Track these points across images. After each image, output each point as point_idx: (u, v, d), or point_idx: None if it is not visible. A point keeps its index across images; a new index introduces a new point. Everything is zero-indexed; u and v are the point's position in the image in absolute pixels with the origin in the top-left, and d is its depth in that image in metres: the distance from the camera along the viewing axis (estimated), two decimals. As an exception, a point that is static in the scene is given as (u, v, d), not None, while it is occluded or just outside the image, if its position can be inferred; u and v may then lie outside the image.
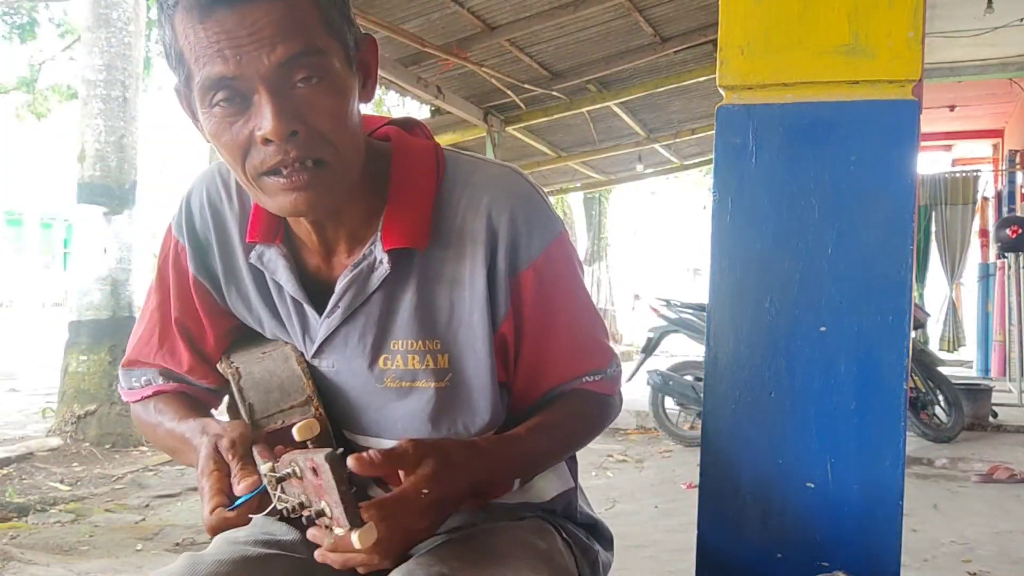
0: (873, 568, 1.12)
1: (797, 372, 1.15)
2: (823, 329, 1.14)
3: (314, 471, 0.68)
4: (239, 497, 0.82)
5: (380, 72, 5.31)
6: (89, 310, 4.88)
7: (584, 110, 7.00)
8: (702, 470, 1.20)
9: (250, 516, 0.83)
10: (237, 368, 0.98)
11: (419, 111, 7.10)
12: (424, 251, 0.92)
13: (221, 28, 0.78)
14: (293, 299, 0.97)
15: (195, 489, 3.95)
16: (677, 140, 8.50)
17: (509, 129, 7.12)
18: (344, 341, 0.95)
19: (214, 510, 0.83)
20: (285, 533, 0.97)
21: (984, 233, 9.00)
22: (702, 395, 1.22)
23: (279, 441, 0.88)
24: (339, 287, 0.93)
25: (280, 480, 0.74)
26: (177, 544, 3.07)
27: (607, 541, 1.14)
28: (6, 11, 11.85)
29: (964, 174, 8.01)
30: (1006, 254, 7.21)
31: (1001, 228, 6.92)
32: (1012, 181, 8.68)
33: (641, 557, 3.05)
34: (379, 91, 9.78)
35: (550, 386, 1.01)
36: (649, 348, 5.53)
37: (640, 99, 7.05)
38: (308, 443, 0.73)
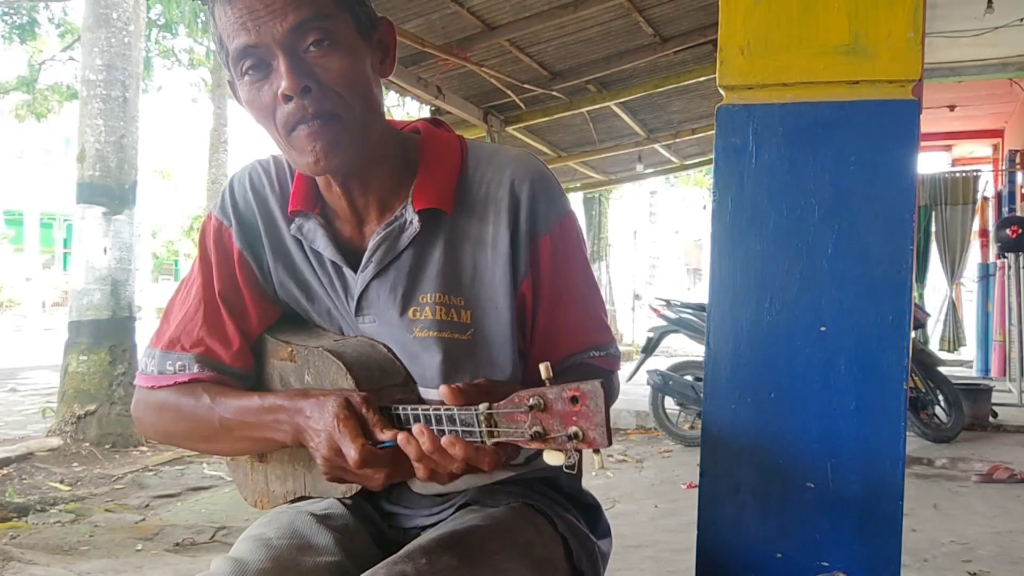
0: (873, 568, 1.12)
1: (797, 372, 1.15)
2: (823, 329, 1.14)
3: (574, 400, 0.78)
4: (382, 442, 0.92)
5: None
6: (89, 310, 4.88)
7: (584, 110, 7.00)
8: (702, 470, 1.20)
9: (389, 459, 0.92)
10: (323, 348, 1.03)
11: (419, 111, 7.11)
12: (451, 216, 1.03)
13: (243, 5, 0.92)
14: (333, 263, 1.06)
15: (195, 489, 3.96)
16: (677, 140, 8.49)
17: (509, 129, 7.12)
18: (377, 294, 1.04)
19: (363, 447, 0.90)
20: (316, 535, 1.02)
21: (984, 233, 9.00)
22: (702, 395, 1.22)
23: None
24: (371, 244, 1.04)
25: (516, 414, 0.82)
26: (177, 544, 3.07)
27: (605, 527, 1.18)
28: (6, 11, 11.85)
29: (964, 174, 8.00)
30: (1006, 254, 7.21)
31: (1001, 228, 6.92)
32: (1012, 181, 8.68)
33: (641, 557, 3.05)
34: (379, 91, 9.81)
35: (562, 356, 1.07)
36: (649, 348, 5.54)
37: (640, 99, 7.04)
38: (547, 382, 0.82)
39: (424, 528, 1.10)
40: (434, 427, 0.88)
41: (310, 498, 1.09)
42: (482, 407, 0.84)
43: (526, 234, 1.03)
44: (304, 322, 1.12)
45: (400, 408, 0.93)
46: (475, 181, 1.05)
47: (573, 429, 0.78)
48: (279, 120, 0.95)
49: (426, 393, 1.03)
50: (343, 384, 0.99)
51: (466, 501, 1.10)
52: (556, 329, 1.07)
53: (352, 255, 1.06)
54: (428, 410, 0.89)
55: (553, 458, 0.81)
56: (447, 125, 1.14)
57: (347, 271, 1.05)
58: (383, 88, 1.07)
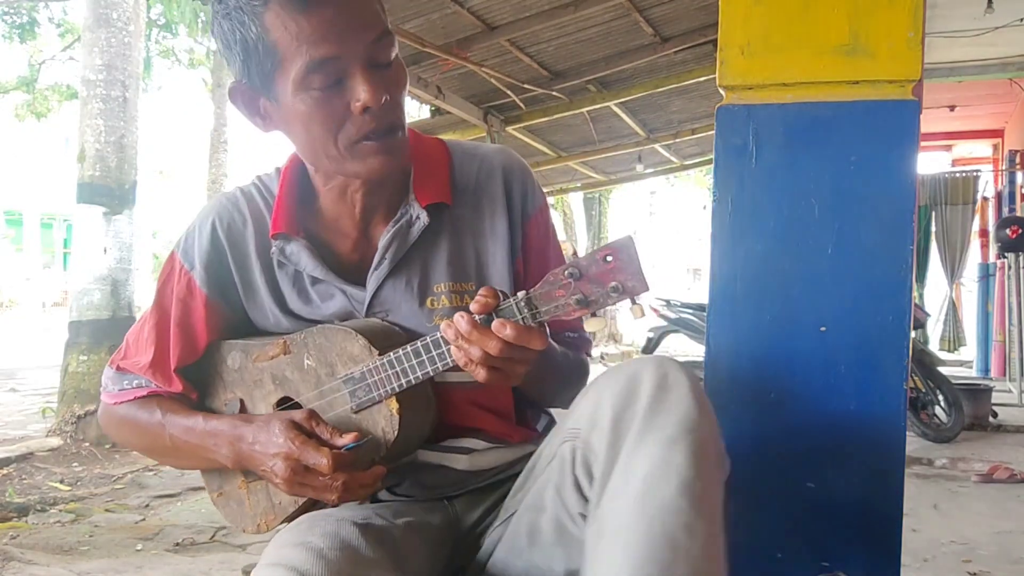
0: (873, 568, 1.12)
1: (797, 372, 1.15)
2: (823, 329, 1.14)
3: (606, 259, 0.82)
4: (346, 446, 0.95)
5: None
6: (89, 310, 4.87)
7: (584, 110, 7.00)
8: (702, 470, 1.20)
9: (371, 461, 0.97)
10: (324, 324, 1.05)
11: (419, 111, 7.10)
12: (451, 208, 1.09)
13: (322, 16, 0.92)
14: (321, 282, 1.08)
15: (195, 489, 3.95)
16: (677, 140, 8.49)
17: (509, 129, 7.11)
18: (393, 289, 1.07)
19: (331, 453, 0.94)
20: (365, 547, 0.94)
21: (984, 233, 8.99)
22: (702, 395, 1.21)
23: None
24: (383, 242, 1.06)
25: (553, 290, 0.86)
26: (177, 544, 3.07)
27: None
28: (6, 11, 11.85)
29: (964, 174, 7.99)
30: (1006, 254, 7.20)
31: (1001, 228, 6.92)
32: (1012, 181, 8.68)
33: (641, 557, 3.04)
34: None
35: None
36: (649, 348, 5.54)
37: (640, 99, 7.04)
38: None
39: (482, 522, 1.09)
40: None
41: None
42: (520, 295, 0.88)
43: (520, 216, 1.11)
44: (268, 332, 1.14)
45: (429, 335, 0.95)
46: (464, 174, 1.12)
47: (612, 283, 0.82)
48: (348, 131, 0.97)
49: (442, 376, 1.03)
50: (352, 348, 1.01)
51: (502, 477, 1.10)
52: None
53: (343, 268, 1.08)
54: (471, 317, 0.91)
55: (595, 324, 0.84)
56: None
57: (340, 285, 1.07)
58: None
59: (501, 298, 0.90)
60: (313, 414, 0.99)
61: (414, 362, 0.96)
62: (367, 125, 0.97)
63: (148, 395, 1.14)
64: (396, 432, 0.99)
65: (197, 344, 1.12)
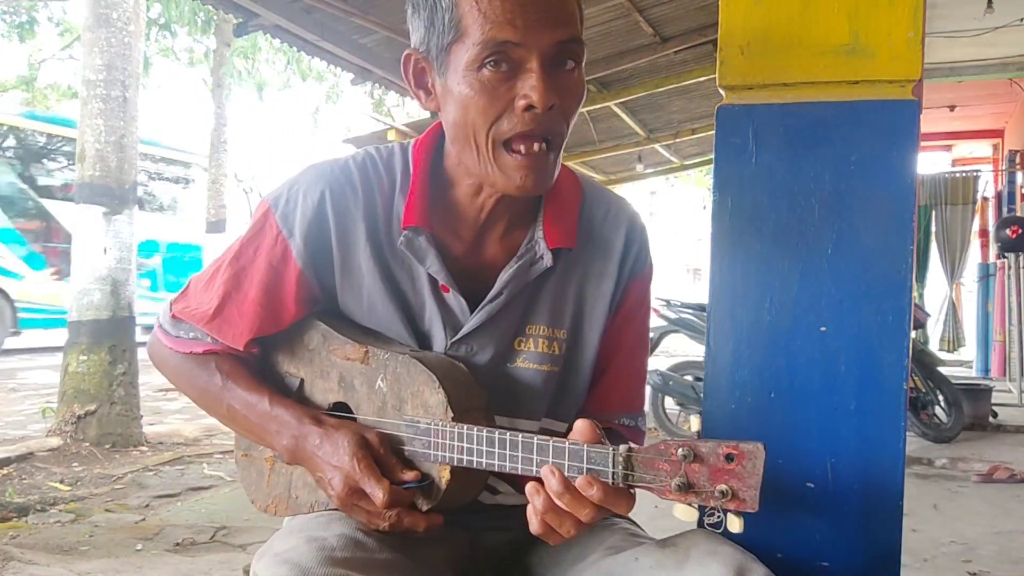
0: (873, 568, 1.12)
1: (797, 372, 1.15)
2: (823, 329, 1.14)
3: (729, 457, 0.76)
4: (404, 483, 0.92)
5: (380, 72, 5.23)
6: (89, 310, 4.87)
7: (584, 110, 6.99)
8: (702, 470, 1.20)
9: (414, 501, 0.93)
10: (410, 355, 0.98)
11: (419, 111, 7.10)
12: (571, 250, 1.05)
13: (517, 2, 0.88)
14: (434, 291, 1.02)
15: (195, 489, 3.96)
16: (677, 140, 8.49)
17: (509, 129, 7.11)
18: (495, 326, 1.02)
19: (390, 488, 0.90)
20: (378, 550, 0.92)
21: (984, 233, 9.00)
22: (702, 395, 1.22)
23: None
24: (504, 276, 1.01)
25: (659, 462, 0.80)
26: (177, 544, 3.07)
27: None
28: (6, 10, 11.85)
29: (964, 174, 7.99)
30: (1006, 254, 7.21)
31: (1001, 228, 6.92)
32: (1012, 181, 8.68)
33: (641, 557, 3.04)
34: (379, 91, 9.78)
35: (596, 412, 1.07)
36: (649, 348, 5.53)
37: (640, 99, 7.04)
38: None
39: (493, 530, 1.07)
40: (552, 462, 0.83)
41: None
42: (622, 448, 0.80)
43: (626, 276, 1.08)
44: (361, 324, 1.05)
45: (519, 436, 0.87)
46: (591, 218, 1.08)
47: (723, 487, 0.76)
48: (502, 126, 0.91)
49: (500, 421, 0.99)
50: (431, 399, 0.94)
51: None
52: (604, 377, 1.10)
53: (461, 277, 1.02)
54: (556, 442, 0.83)
55: (684, 513, 0.79)
56: None
57: (456, 299, 1.01)
58: None
59: (599, 434, 0.83)
60: (386, 440, 0.95)
61: (484, 448, 0.89)
62: (524, 125, 0.91)
63: (205, 352, 1.05)
64: (436, 502, 0.95)
65: (282, 317, 1.04)
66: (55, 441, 4.69)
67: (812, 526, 1.14)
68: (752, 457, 0.76)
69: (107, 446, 4.71)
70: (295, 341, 1.07)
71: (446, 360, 1.00)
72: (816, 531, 1.14)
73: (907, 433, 1.17)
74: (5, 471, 4.16)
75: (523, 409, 1.03)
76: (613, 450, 0.80)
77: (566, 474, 0.81)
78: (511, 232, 1.04)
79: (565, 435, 0.86)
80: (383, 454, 0.93)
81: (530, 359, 1.03)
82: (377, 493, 0.89)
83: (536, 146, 0.92)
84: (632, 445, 0.81)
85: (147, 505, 3.71)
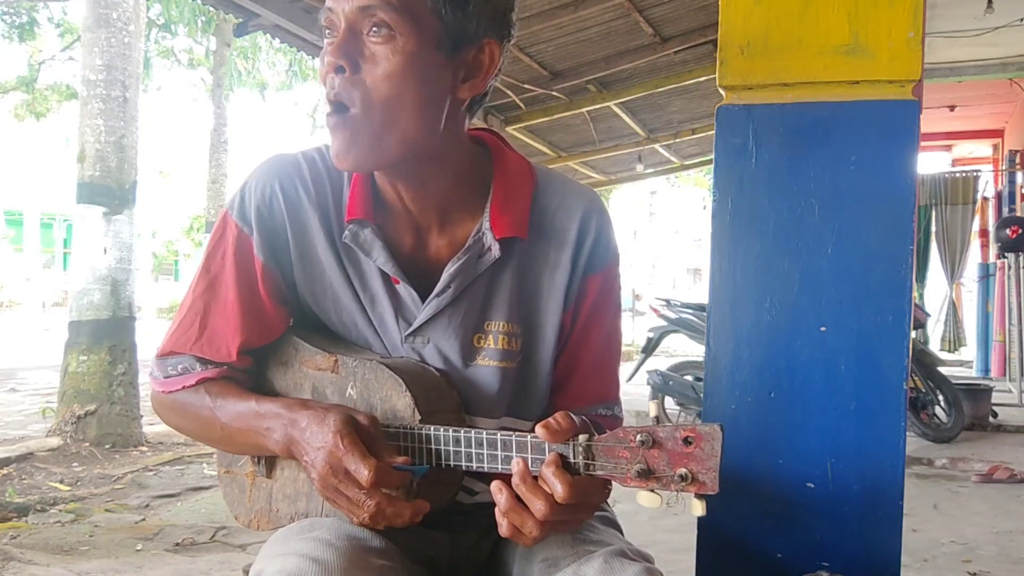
0: (873, 568, 1.12)
1: (797, 372, 1.15)
2: (823, 329, 1.14)
3: (687, 440, 0.76)
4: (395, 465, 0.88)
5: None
6: (89, 310, 4.87)
7: (584, 110, 7.00)
8: (702, 470, 1.20)
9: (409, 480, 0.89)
10: (378, 361, 0.97)
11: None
12: (523, 241, 1.01)
13: None
14: (385, 283, 1.01)
15: (195, 489, 3.96)
16: (677, 140, 8.50)
17: (509, 129, 7.11)
18: (448, 321, 1.00)
19: (376, 464, 0.86)
20: (371, 538, 0.93)
21: (984, 233, 9.00)
22: (702, 395, 1.22)
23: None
24: (451, 269, 0.99)
25: (622, 447, 0.79)
26: (177, 544, 3.07)
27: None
28: (6, 11, 11.85)
29: (964, 174, 7.99)
30: (1006, 254, 7.21)
31: (1001, 228, 6.92)
32: (1012, 181, 8.68)
33: (641, 557, 3.04)
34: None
35: (569, 406, 1.02)
36: (649, 348, 5.53)
37: (640, 99, 7.05)
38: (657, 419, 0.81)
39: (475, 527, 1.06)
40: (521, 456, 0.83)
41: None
42: (582, 438, 0.80)
43: (582, 270, 1.03)
44: (333, 333, 1.06)
45: (470, 432, 0.87)
46: (544, 208, 1.04)
47: (683, 470, 0.76)
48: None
49: (471, 421, 0.98)
50: (398, 403, 0.94)
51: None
52: (574, 373, 1.06)
53: (412, 271, 1.01)
54: (518, 436, 0.83)
55: (648, 500, 0.78)
56: (507, 141, 1.11)
57: (407, 291, 1.00)
58: (465, 106, 0.99)
59: (575, 426, 0.82)
60: (376, 421, 0.91)
61: (451, 448, 0.89)
62: (328, 92, 0.91)
63: (196, 383, 1.04)
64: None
65: (264, 314, 1.03)
66: (55, 441, 4.69)
67: (812, 526, 1.14)
68: (710, 439, 0.76)
69: (107, 446, 4.72)
70: (272, 358, 1.08)
71: (416, 365, 1.00)
72: (816, 531, 1.14)
73: (907, 433, 1.17)
74: (5, 471, 4.16)
75: (483, 407, 1.01)
76: (573, 440, 0.81)
77: (530, 468, 0.82)
78: (458, 224, 1.02)
79: (530, 430, 0.85)
80: (373, 434, 0.90)
81: (490, 356, 1.01)
82: (362, 470, 0.86)
83: (328, 117, 0.92)
84: (593, 434, 0.81)
85: (147, 505, 3.71)
